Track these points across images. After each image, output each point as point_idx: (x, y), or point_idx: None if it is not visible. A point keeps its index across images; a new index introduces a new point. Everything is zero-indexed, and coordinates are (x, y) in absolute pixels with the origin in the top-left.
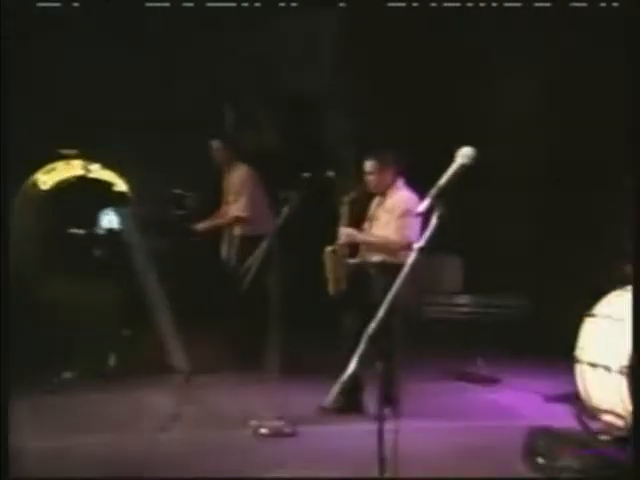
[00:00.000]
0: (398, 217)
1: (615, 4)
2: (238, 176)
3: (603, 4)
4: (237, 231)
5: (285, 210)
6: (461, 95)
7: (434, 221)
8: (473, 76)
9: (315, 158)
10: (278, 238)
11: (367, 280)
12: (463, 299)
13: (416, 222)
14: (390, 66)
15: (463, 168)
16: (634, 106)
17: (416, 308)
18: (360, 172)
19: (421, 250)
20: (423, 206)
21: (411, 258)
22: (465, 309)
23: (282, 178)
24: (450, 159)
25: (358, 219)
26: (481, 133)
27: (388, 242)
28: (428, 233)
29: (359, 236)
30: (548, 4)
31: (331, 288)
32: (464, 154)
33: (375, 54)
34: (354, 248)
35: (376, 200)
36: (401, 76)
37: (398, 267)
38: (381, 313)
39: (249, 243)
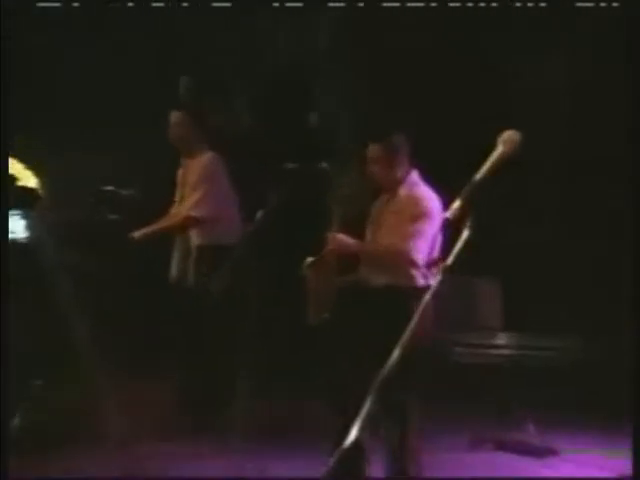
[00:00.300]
0: (409, 221)
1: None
2: (199, 164)
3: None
4: (194, 239)
5: (261, 213)
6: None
7: (466, 232)
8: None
9: (305, 145)
10: (250, 250)
11: (366, 308)
12: (503, 339)
13: (436, 231)
14: (391, 51)
15: (506, 158)
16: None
17: (442, 350)
18: (362, 161)
19: (448, 271)
20: (452, 210)
21: (435, 281)
22: (506, 351)
23: (260, 170)
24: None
25: (356, 223)
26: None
27: (393, 254)
28: (458, 248)
29: (352, 244)
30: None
31: (311, 314)
32: (508, 139)
33: (374, 40)
34: (350, 262)
35: (382, 198)
36: (403, 63)
37: (412, 292)
38: (394, 357)
39: (210, 256)
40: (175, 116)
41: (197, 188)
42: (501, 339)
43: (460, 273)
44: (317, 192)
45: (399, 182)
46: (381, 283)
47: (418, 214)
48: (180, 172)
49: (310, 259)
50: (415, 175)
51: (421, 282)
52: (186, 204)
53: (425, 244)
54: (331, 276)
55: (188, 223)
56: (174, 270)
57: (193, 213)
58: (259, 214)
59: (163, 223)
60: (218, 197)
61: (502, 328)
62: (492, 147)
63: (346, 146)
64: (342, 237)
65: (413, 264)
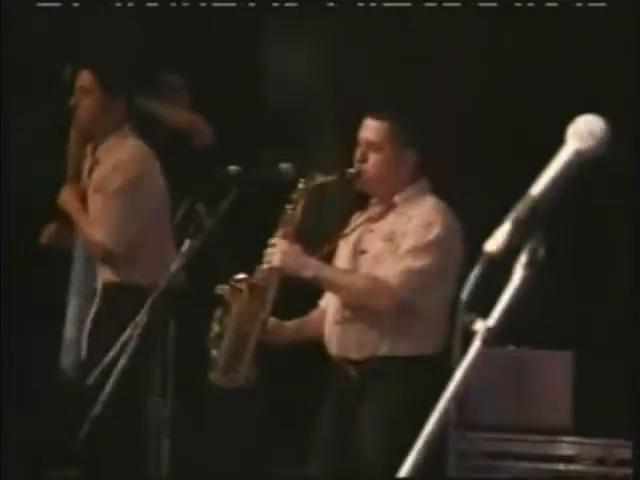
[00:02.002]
0: (412, 250)
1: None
2: (119, 158)
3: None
4: (101, 271)
5: (190, 242)
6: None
7: (519, 275)
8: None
9: (258, 136)
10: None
11: (335, 397)
12: (573, 448)
13: (455, 271)
14: None
15: (581, 160)
16: None
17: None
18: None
19: (490, 337)
20: (496, 240)
21: (472, 352)
22: (578, 468)
23: (190, 175)
24: None
25: (321, 239)
26: None
27: (378, 293)
28: (505, 301)
29: (311, 264)
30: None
31: (219, 369)
32: (583, 131)
33: None
34: (299, 297)
35: (370, 210)
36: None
37: (419, 370)
38: None
39: (122, 303)
40: (83, 77)
41: (115, 199)
42: (570, 448)
43: (509, 342)
44: (273, 208)
45: (400, 186)
46: (362, 352)
47: (427, 242)
48: (87, 164)
49: (239, 277)
50: (425, 183)
51: (432, 350)
52: (98, 223)
53: (437, 290)
54: (264, 310)
55: (97, 252)
56: (70, 327)
57: (108, 244)
58: (187, 245)
59: (83, 220)
60: (144, 217)
61: (572, 430)
62: (556, 143)
63: (320, 129)
64: (295, 249)
65: (413, 318)
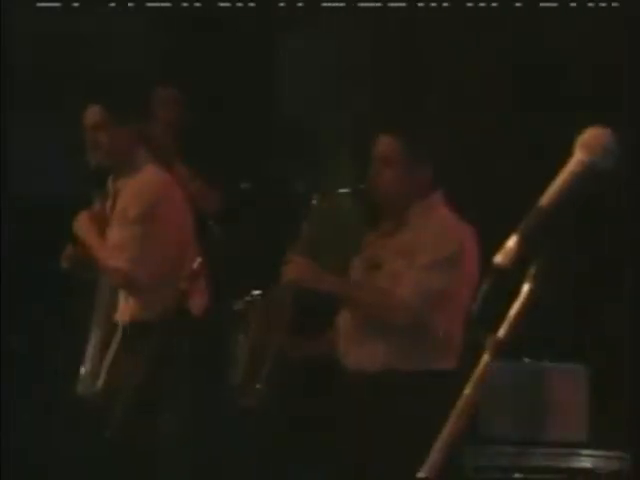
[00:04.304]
0: (426, 265)
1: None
2: (136, 186)
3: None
4: (124, 310)
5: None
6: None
7: (527, 287)
8: None
9: (272, 156)
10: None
11: (345, 409)
12: (589, 460)
13: (472, 285)
14: None
15: (590, 171)
16: None
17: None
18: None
19: (500, 349)
20: (504, 252)
21: (482, 365)
22: None
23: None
24: None
25: (335, 254)
26: None
27: (394, 309)
28: (514, 313)
29: (326, 279)
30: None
31: (239, 382)
32: (592, 141)
33: None
34: (315, 312)
35: (384, 226)
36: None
37: (432, 383)
38: None
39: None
40: (93, 114)
41: (134, 227)
42: (586, 461)
43: (521, 355)
44: (286, 224)
45: (414, 201)
46: (375, 365)
47: (443, 258)
48: (110, 197)
49: (255, 293)
50: (439, 196)
51: (445, 364)
52: (117, 249)
53: (451, 306)
54: (281, 326)
55: (119, 281)
56: (88, 364)
57: (129, 271)
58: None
59: (100, 249)
60: (165, 245)
61: (589, 443)
62: (564, 154)
63: (333, 145)
64: (311, 264)
65: (427, 333)
